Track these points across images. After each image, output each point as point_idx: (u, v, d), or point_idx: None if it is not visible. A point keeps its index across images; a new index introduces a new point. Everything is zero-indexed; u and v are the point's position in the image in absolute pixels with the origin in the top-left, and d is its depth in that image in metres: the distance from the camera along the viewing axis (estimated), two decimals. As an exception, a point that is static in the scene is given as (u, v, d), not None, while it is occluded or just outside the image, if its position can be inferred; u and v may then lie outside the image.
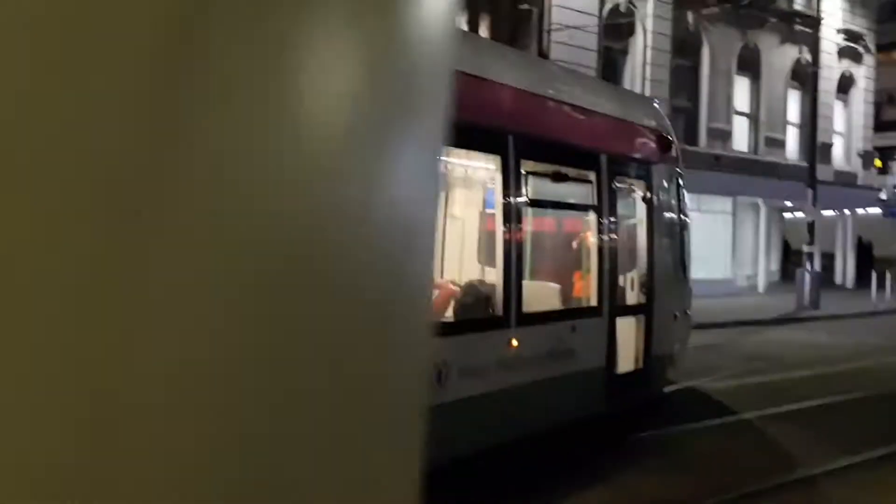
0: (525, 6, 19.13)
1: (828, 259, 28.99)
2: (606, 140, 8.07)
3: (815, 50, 23.60)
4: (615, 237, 8.05)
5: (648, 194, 8.67)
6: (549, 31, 18.68)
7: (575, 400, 7.40)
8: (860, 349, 15.12)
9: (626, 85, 20.86)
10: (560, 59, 17.52)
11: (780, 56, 26.96)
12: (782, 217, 30.52)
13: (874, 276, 23.20)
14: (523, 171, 6.72)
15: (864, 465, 7.40)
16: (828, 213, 27.48)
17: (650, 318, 8.54)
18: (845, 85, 30.07)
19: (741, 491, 6.44)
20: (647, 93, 20.02)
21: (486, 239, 7.18)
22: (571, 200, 8.05)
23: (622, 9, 21.71)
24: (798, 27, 26.79)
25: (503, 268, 6.53)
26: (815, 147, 22.59)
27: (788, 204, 27.78)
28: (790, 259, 30.91)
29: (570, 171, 7.55)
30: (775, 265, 29.72)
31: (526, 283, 6.86)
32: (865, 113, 31.38)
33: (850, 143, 30.69)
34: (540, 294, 7.35)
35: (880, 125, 36.75)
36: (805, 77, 27.03)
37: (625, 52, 22.21)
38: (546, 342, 6.95)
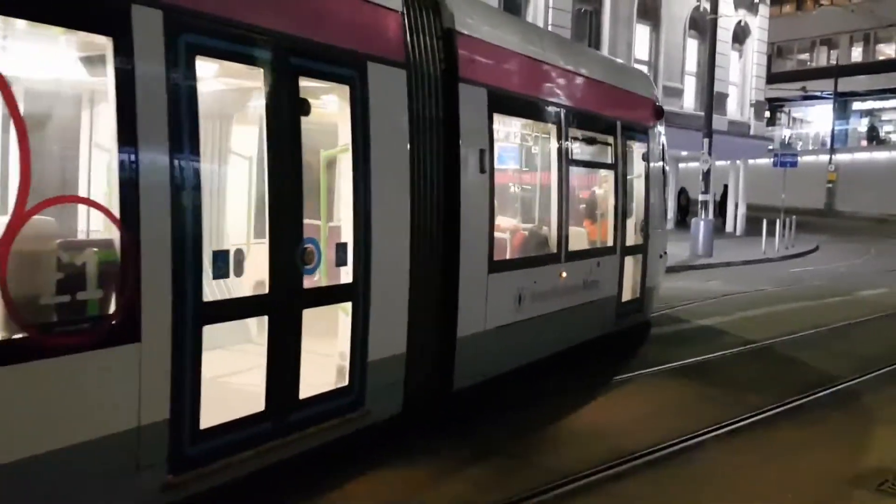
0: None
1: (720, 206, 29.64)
2: (633, 114, 10.12)
3: (714, -2, 23.57)
4: (626, 189, 9.78)
5: (646, 152, 10.46)
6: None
7: (596, 321, 9.31)
8: (753, 297, 15.33)
9: (528, 28, 20.29)
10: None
11: (679, 4, 26.93)
12: (678, 166, 30.94)
13: (764, 223, 23.74)
14: (575, 141, 8.57)
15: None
16: (721, 162, 27.96)
17: (645, 257, 10.46)
18: (741, 35, 30.44)
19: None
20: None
21: (546, 191, 8.60)
22: (599, 160, 9.67)
23: (525, -51, 21.05)
24: (697, -25, 26.81)
25: (557, 214, 8.25)
26: (712, 96, 22.69)
27: (684, 153, 28.08)
28: (683, 207, 31.51)
29: (608, 140, 9.45)
30: (671, 213, 30.20)
31: (571, 227, 8.53)
32: (759, 63, 31.91)
33: (744, 94, 31.22)
34: (579, 236, 9.05)
35: (770, 77, 37.64)
36: (702, 26, 27.06)
37: (527, -6, 21.59)
38: (585, 273, 8.81)
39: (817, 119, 54.31)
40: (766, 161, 31.18)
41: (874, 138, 50.39)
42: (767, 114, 41.39)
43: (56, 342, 3.62)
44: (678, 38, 27.05)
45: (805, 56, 55.27)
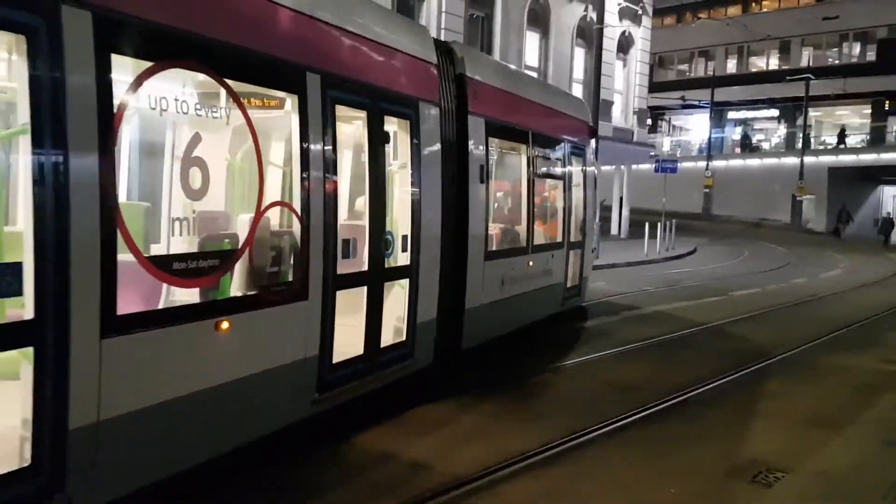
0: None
1: (605, 210, 30.55)
2: (575, 134, 12.39)
3: (600, 9, 24.29)
4: (571, 195, 11.95)
5: (583, 166, 12.71)
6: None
7: (550, 302, 11.45)
8: (637, 298, 15.90)
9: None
10: None
11: (567, 14, 27.67)
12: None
13: (647, 227, 24.66)
14: (538, 157, 10.67)
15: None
16: (606, 167, 28.88)
17: (583, 251, 12.66)
18: (625, 45, 31.53)
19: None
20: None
21: (520, 198, 10.53)
22: (553, 171, 11.63)
23: (418, -47, 21.12)
24: (584, -15, 27.61)
25: (526, 214, 10.28)
26: (598, 103, 23.44)
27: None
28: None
29: (558, 155, 11.68)
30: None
31: (535, 225, 10.52)
32: (641, 73, 33.13)
33: (627, 102, 32.35)
34: (539, 232, 10.92)
35: (652, 86, 39.12)
36: (589, 35, 27.94)
37: (420, -3, 21.70)
38: (544, 263, 10.89)
39: (696, 127, 56.78)
40: (648, 166, 32.40)
41: (747, 146, 53.12)
42: (649, 121, 43.00)
43: (270, 298, 5.55)
44: (566, 47, 27.78)
45: (684, 67, 57.78)
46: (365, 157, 6.72)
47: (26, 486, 3.82)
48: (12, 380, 3.94)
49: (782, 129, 52.67)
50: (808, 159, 43.96)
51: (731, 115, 55.25)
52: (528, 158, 10.31)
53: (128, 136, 5.00)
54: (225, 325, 5.01)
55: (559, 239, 11.55)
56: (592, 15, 28.11)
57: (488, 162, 8.94)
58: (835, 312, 15.22)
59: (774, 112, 53.37)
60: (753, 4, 54.30)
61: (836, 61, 50.30)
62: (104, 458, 4.16)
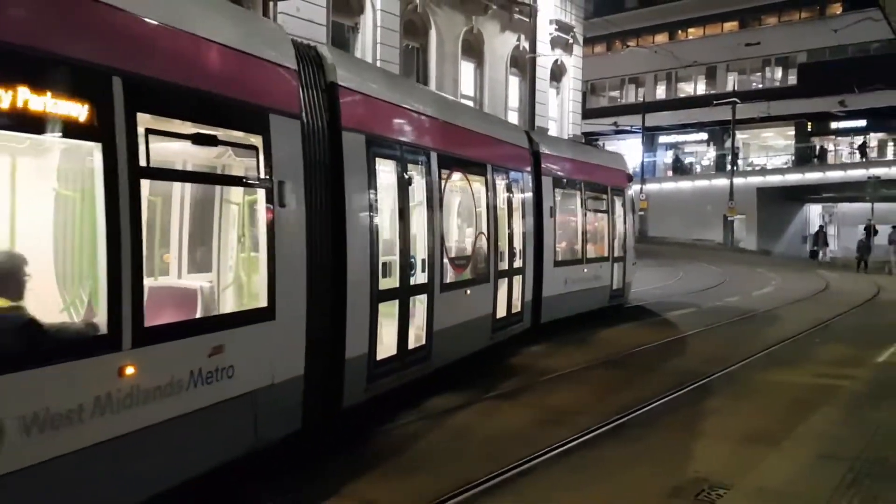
0: (250, -26, 17.95)
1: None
2: (617, 181, 17.23)
3: (532, 38, 24.71)
4: (614, 225, 16.66)
5: (625, 202, 17.56)
6: (275, 2, 17.67)
7: (599, 298, 15.96)
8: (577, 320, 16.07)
9: (357, 63, 20.33)
10: (288, 32, 16.58)
11: (501, 43, 28.09)
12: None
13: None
14: (588, 198, 15.54)
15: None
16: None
17: (624, 264, 17.18)
18: (558, 73, 32.11)
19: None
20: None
21: (577, 226, 15.33)
22: (602, 209, 16.38)
23: (351, -15, 21.22)
24: (517, 16, 28.09)
25: (581, 237, 15.26)
26: (533, 131, 23.76)
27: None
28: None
29: (603, 196, 16.43)
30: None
31: (587, 244, 15.49)
32: (574, 100, 33.77)
33: (562, 128, 32.87)
34: (593, 247, 15.85)
35: (585, 112, 39.86)
36: (522, 64, 28.41)
37: (355, 29, 21.78)
38: (594, 271, 15.62)
39: (628, 152, 57.86)
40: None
41: (678, 168, 54.45)
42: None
43: (478, 280, 10.47)
44: (501, 76, 28.15)
45: (616, 93, 59.09)
46: (505, 205, 11.51)
47: (418, 354, 8.59)
48: (415, 308, 8.64)
49: (712, 152, 54.16)
50: (738, 180, 45.28)
51: (663, 139, 56.57)
52: (581, 199, 15.24)
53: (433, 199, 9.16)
54: (468, 292, 10.02)
55: (605, 254, 16.23)
56: (525, 44, 28.63)
57: (555, 204, 13.81)
58: (768, 329, 15.65)
59: (703, 135, 54.85)
60: (680, 32, 55.93)
61: (760, 85, 52.06)
62: (437, 349, 8.94)
